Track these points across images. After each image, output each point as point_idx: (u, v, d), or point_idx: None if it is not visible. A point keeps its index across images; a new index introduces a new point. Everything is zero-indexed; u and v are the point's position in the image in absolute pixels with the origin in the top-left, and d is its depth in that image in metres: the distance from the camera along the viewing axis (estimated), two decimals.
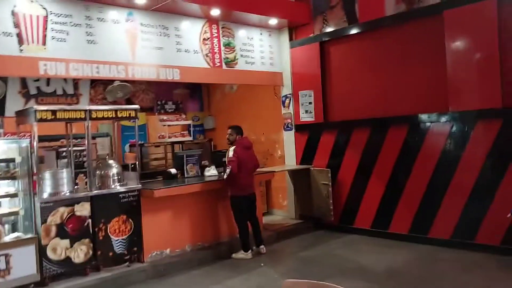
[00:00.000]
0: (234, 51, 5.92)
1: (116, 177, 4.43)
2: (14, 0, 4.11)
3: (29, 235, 3.97)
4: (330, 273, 4.27)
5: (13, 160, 4.07)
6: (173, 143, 6.74)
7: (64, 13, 4.43)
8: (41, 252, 3.91)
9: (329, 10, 5.97)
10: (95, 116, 4.30)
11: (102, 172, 4.40)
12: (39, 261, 3.90)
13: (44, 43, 4.28)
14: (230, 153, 4.81)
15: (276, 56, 6.45)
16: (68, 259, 4.04)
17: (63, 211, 4.05)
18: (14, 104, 5.75)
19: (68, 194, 4.13)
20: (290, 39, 6.41)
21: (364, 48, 5.65)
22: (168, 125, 6.72)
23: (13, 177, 4.09)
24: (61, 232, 4.02)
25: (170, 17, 5.27)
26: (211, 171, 5.47)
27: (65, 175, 4.14)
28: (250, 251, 4.90)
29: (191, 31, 5.48)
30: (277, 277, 4.29)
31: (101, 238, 4.24)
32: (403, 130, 5.20)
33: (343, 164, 5.84)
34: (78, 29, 4.51)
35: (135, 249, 4.46)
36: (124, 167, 4.77)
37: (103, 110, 4.42)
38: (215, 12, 5.42)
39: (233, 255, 4.90)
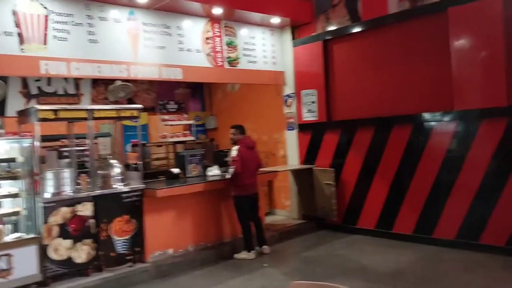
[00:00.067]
0: (236, 50, 5.89)
1: (118, 177, 4.40)
2: None
3: (31, 235, 3.95)
4: (333, 274, 4.24)
5: (14, 160, 4.05)
6: (175, 143, 6.72)
7: (65, 12, 4.40)
8: (43, 252, 3.89)
9: (331, 9, 5.93)
10: (97, 116, 4.29)
11: (104, 171, 4.37)
12: (41, 261, 3.88)
13: (45, 43, 4.26)
14: (234, 153, 4.78)
15: (278, 55, 6.41)
16: (70, 259, 4.02)
17: (65, 211, 4.03)
18: (15, 104, 5.73)
19: (70, 194, 4.10)
20: (293, 38, 6.37)
21: (367, 47, 5.61)
22: (170, 125, 6.70)
23: (15, 177, 4.08)
24: (63, 232, 4.00)
25: (172, 16, 5.24)
26: (214, 171, 5.44)
27: (67, 175, 4.12)
28: (253, 251, 4.87)
29: (193, 30, 5.45)
30: (282, 278, 4.25)
31: (103, 238, 4.22)
32: (407, 129, 5.16)
33: (346, 163, 5.80)
34: (79, 28, 4.48)
35: (138, 249, 4.43)
36: (126, 167, 4.75)
37: (105, 110, 4.40)
38: (217, 10, 5.39)
39: (236, 255, 4.87)
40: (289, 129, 6.51)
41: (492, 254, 4.41)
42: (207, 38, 5.58)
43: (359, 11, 5.61)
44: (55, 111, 4.06)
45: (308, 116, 6.21)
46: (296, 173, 6.35)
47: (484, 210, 4.54)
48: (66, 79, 6.23)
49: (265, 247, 4.99)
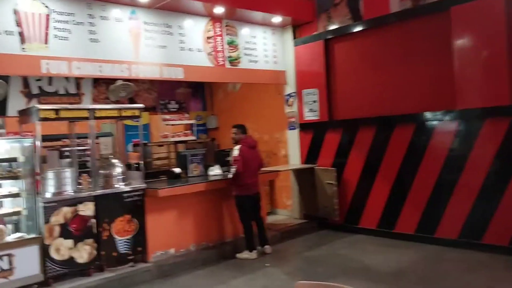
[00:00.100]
0: (237, 49, 5.87)
1: (120, 177, 4.39)
2: None
3: (32, 235, 3.94)
4: (335, 273, 4.23)
5: (16, 159, 4.04)
6: (176, 143, 6.71)
7: (66, 11, 4.38)
8: (45, 252, 3.87)
9: (333, 8, 5.91)
10: (99, 115, 4.28)
11: (106, 171, 4.36)
12: (42, 261, 3.86)
13: (46, 42, 4.24)
14: (235, 152, 4.77)
15: (279, 54, 6.40)
16: (71, 259, 4.01)
17: (66, 211, 4.02)
18: (16, 103, 5.71)
19: (71, 193, 4.09)
20: (294, 37, 6.36)
21: (369, 46, 5.60)
22: (171, 125, 6.69)
23: (16, 177, 4.06)
24: (65, 232, 3.99)
25: (174, 15, 5.22)
26: (215, 171, 5.42)
27: (68, 174, 4.10)
28: (255, 251, 4.86)
29: (195, 30, 5.44)
30: (284, 277, 4.24)
31: (105, 238, 4.20)
32: (409, 128, 5.15)
33: (348, 163, 5.79)
34: (80, 27, 4.47)
35: (140, 249, 4.42)
36: (127, 167, 4.73)
37: (107, 109, 4.39)
38: (219, 10, 5.37)
39: (238, 255, 4.86)
40: (290, 129, 6.49)
41: (495, 253, 4.39)
42: (208, 38, 5.57)
43: (360, 10, 5.59)
44: (56, 110, 4.05)
45: (310, 116, 6.20)
46: (297, 172, 6.34)
47: (486, 209, 4.52)
48: (67, 78, 6.22)
49: (267, 246, 4.98)
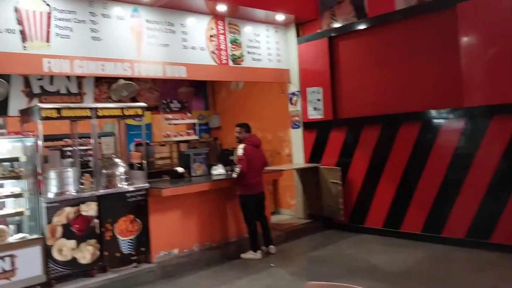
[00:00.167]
0: (240, 48, 5.82)
1: (123, 176, 4.34)
2: None
3: (34, 236, 3.90)
4: (341, 273, 4.18)
5: (17, 159, 3.99)
6: (178, 142, 6.66)
7: (67, 9, 4.34)
8: (47, 253, 3.83)
9: (337, 5, 5.85)
10: (101, 114, 4.22)
11: (109, 171, 4.31)
12: (44, 262, 3.82)
13: (47, 40, 4.20)
14: (239, 152, 4.71)
15: (283, 52, 6.34)
16: (74, 260, 3.96)
17: (69, 211, 3.97)
18: (17, 103, 5.65)
19: (74, 193, 4.04)
20: (297, 35, 6.30)
21: (374, 43, 5.54)
22: (174, 124, 6.64)
23: (18, 177, 4.01)
24: (67, 233, 3.94)
25: (176, 13, 5.17)
26: (219, 170, 5.37)
27: (70, 174, 4.05)
28: (259, 251, 4.80)
29: (197, 28, 5.39)
30: (289, 278, 4.18)
31: (108, 238, 4.15)
32: (415, 126, 5.08)
33: (353, 162, 5.73)
34: (82, 25, 4.42)
35: (143, 249, 4.37)
36: (130, 167, 4.68)
37: (110, 108, 4.34)
38: (221, 8, 5.32)
39: (242, 255, 4.81)
40: (294, 128, 6.44)
41: (503, 253, 4.33)
42: (211, 36, 5.52)
43: (365, 7, 5.53)
44: (58, 109, 4.00)
45: (314, 114, 6.14)
46: (301, 172, 6.28)
47: (494, 208, 4.46)
48: (68, 78, 6.17)
49: (271, 246, 4.92)
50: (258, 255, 4.77)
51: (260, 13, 5.73)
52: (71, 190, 4.04)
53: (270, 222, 5.31)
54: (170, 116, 6.91)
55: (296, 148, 6.43)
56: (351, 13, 5.71)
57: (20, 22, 4.03)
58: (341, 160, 5.84)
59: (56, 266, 3.86)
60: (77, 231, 3.99)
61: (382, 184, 5.44)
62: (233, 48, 5.74)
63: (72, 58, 4.32)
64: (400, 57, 5.27)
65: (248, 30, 5.92)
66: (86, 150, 5.23)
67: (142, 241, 4.36)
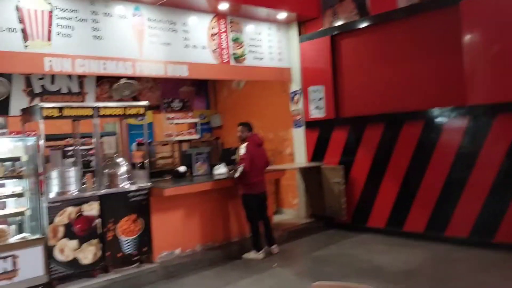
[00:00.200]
0: (242, 46, 5.79)
1: (125, 176, 4.31)
2: None
3: (36, 236, 3.87)
4: (344, 273, 4.15)
5: (19, 159, 3.97)
6: (180, 142, 6.63)
7: (69, 8, 4.32)
8: (49, 253, 3.81)
9: (338, 3, 5.83)
10: (103, 114, 4.20)
11: (111, 170, 4.28)
12: (46, 262, 3.80)
13: (49, 39, 4.17)
14: (242, 151, 4.68)
15: (284, 51, 6.31)
16: (76, 260, 3.94)
17: (70, 211, 3.94)
18: (18, 102, 5.63)
19: (76, 193, 4.01)
20: (299, 33, 6.27)
21: (376, 42, 5.51)
22: (175, 123, 6.61)
23: (19, 176, 4.00)
24: (69, 233, 3.91)
25: (178, 12, 5.15)
26: (221, 169, 5.34)
27: (72, 174, 4.03)
28: (262, 251, 4.78)
29: (199, 26, 5.36)
30: (293, 278, 4.16)
31: (110, 238, 4.13)
32: (418, 125, 5.06)
33: (355, 161, 5.70)
34: (83, 24, 4.40)
35: (145, 249, 4.35)
36: (131, 166, 4.65)
37: (112, 107, 4.31)
38: (223, 6, 5.30)
39: (245, 255, 4.78)
40: (296, 127, 6.41)
41: (508, 252, 4.30)
42: (213, 35, 5.49)
43: (367, 5, 5.51)
44: (60, 108, 3.98)
45: (316, 113, 6.11)
46: (303, 171, 6.25)
47: (498, 207, 4.43)
48: (70, 77, 6.15)
49: (274, 246, 4.90)
50: (260, 255, 4.75)
51: (262, 11, 5.70)
52: (73, 190, 4.01)
53: (272, 222, 5.29)
54: (171, 115, 6.88)
55: (298, 148, 6.40)
56: (353, 11, 5.68)
57: (21, 21, 4.01)
58: (343, 159, 5.81)
59: (58, 266, 3.84)
60: (79, 231, 3.97)
61: (384, 184, 5.41)
62: (235, 46, 5.71)
63: (73, 57, 4.29)
64: (403, 55, 5.25)
65: (249, 29, 5.89)
66: (88, 149, 5.21)
67: (144, 241, 4.34)
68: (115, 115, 4.37)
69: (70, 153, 4.88)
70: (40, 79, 5.94)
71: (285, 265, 4.55)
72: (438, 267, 4.19)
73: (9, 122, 5.76)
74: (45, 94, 5.98)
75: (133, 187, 4.33)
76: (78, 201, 4.00)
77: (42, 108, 3.87)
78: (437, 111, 4.91)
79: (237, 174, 4.70)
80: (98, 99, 6.42)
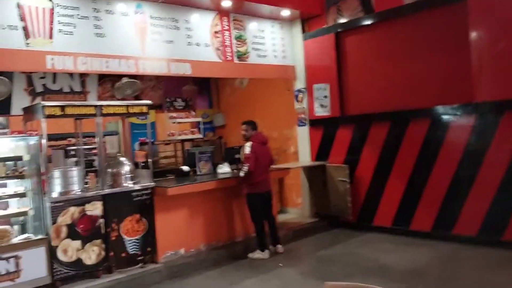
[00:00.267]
0: (245, 44, 5.73)
1: (128, 175, 4.26)
2: None
3: (39, 236, 3.83)
4: (351, 273, 4.10)
5: (21, 158, 3.92)
6: (183, 141, 6.59)
7: (71, 5, 4.26)
8: (52, 253, 3.76)
9: (342, 0, 5.76)
10: (106, 112, 4.15)
11: (114, 170, 4.23)
12: (49, 263, 3.75)
13: (50, 37, 4.12)
14: (247, 150, 4.62)
15: (288, 49, 6.25)
16: (79, 260, 3.89)
17: (73, 211, 3.89)
18: (19, 102, 5.57)
19: (78, 193, 3.96)
20: (303, 31, 6.21)
21: (382, 39, 5.44)
22: (178, 123, 6.56)
23: (21, 176, 3.95)
24: (72, 233, 3.86)
25: (180, 9, 5.09)
26: (224, 168, 5.30)
27: (75, 173, 3.98)
28: (267, 250, 4.72)
29: (202, 24, 5.30)
30: (299, 278, 4.10)
31: (113, 238, 4.08)
32: (424, 123, 4.99)
33: (361, 159, 5.64)
34: (85, 21, 4.34)
35: (149, 249, 4.30)
36: (134, 166, 4.60)
37: (114, 106, 4.26)
38: (226, 3, 5.24)
39: (250, 255, 4.73)
40: (300, 125, 6.35)
41: None
42: (216, 32, 5.43)
43: (372, 2, 5.44)
44: (62, 107, 3.93)
45: (320, 111, 6.05)
46: (308, 170, 6.19)
47: (506, 205, 4.36)
48: (72, 76, 6.10)
49: (279, 246, 4.84)
50: (265, 254, 4.69)
51: (265, 8, 5.64)
52: (76, 189, 3.96)
53: (277, 221, 5.23)
54: (174, 114, 6.83)
55: (302, 146, 6.34)
56: (357, 8, 5.61)
57: (22, 18, 3.95)
58: (348, 158, 5.75)
59: (61, 267, 3.79)
60: (82, 231, 3.92)
61: (391, 182, 5.34)
62: (238, 44, 5.66)
63: (75, 55, 4.24)
64: (409, 53, 5.18)
65: (253, 26, 5.84)
66: (90, 149, 5.16)
67: (148, 241, 4.29)
68: (118, 114, 4.32)
69: (72, 152, 4.84)
70: (42, 78, 5.89)
71: (291, 264, 4.49)
72: (445, 266, 4.13)
73: (11, 122, 5.71)
74: (46, 93, 5.93)
75: (137, 187, 4.28)
76: (81, 201, 3.95)
77: (44, 106, 3.82)
78: (444, 108, 4.84)
79: (242, 174, 4.64)
80: (100, 98, 6.37)
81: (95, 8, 4.41)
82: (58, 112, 3.89)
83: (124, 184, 4.23)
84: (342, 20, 5.77)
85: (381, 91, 5.45)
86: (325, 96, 5.97)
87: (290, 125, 6.51)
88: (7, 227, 3.77)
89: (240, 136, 5.00)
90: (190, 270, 4.37)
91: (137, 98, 6.56)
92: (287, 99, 6.48)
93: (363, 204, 5.66)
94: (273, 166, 5.17)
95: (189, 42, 5.16)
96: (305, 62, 6.19)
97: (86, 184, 4.17)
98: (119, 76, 6.11)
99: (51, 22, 4.13)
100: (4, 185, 3.98)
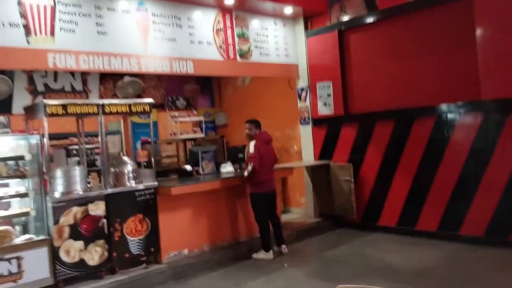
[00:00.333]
0: (248, 42, 5.68)
1: (131, 175, 4.21)
2: None
3: (41, 237, 3.78)
4: (357, 273, 4.05)
5: (22, 157, 3.87)
6: (185, 140, 6.54)
7: (72, 2, 4.21)
8: (54, 254, 3.71)
9: None
10: (108, 111, 4.09)
11: (117, 169, 4.18)
12: (52, 264, 3.70)
13: (52, 34, 4.07)
14: (251, 149, 4.57)
15: (291, 47, 6.20)
16: (82, 261, 3.83)
17: (76, 211, 3.84)
18: (21, 101, 5.53)
19: (81, 193, 3.91)
20: (306, 28, 6.16)
21: (385, 36, 5.39)
22: (180, 122, 6.52)
23: (23, 176, 3.89)
24: (75, 233, 3.81)
25: (182, 6, 5.04)
26: (228, 168, 5.24)
27: (77, 173, 3.93)
28: (271, 251, 4.67)
29: (204, 22, 5.25)
30: (304, 278, 4.05)
31: (116, 238, 4.03)
32: (430, 121, 4.94)
33: (365, 159, 5.58)
34: (87, 19, 4.29)
35: (152, 249, 4.25)
36: (137, 165, 4.55)
37: (117, 104, 4.21)
38: (228, 0, 5.19)
39: (254, 255, 4.68)
40: (303, 124, 6.29)
41: None
42: (218, 30, 5.38)
43: None
44: (64, 105, 3.87)
45: (324, 110, 6.00)
46: (311, 169, 6.14)
47: None
48: (73, 75, 6.05)
49: (283, 246, 4.79)
50: (270, 255, 4.64)
51: (268, 5, 5.59)
52: (78, 189, 3.91)
53: (281, 221, 5.18)
54: (175, 113, 6.78)
55: (305, 145, 6.29)
56: (361, 5, 5.56)
57: (24, 15, 3.90)
58: (352, 157, 5.69)
59: (63, 268, 3.74)
60: (85, 231, 3.87)
61: (396, 181, 5.29)
62: (241, 42, 5.60)
63: (77, 53, 4.19)
64: (413, 50, 5.13)
65: (255, 24, 5.78)
66: (92, 148, 5.11)
67: (152, 241, 4.24)
68: (120, 112, 4.27)
69: (74, 152, 4.79)
70: (43, 77, 5.84)
71: (296, 265, 4.45)
72: (451, 266, 4.08)
73: (12, 121, 5.66)
74: (48, 92, 5.88)
75: (140, 186, 4.23)
76: (84, 201, 3.89)
77: (46, 105, 3.77)
78: (449, 106, 4.79)
79: (246, 173, 4.58)
80: (101, 97, 6.32)
81: (97, 6, 4.36)
82: (60, 110, 3.84)
83: (127, 184, 4.18)
84: (346, 18, 5.72)
85: (385, 89, 5.39)
86: (329, 95, 5.92)
87: (293, 124, 6.46)
88: (9, 227, 3.72)
89: (243, 135, 4.94)
90: (194, 270, 4.32)
91: (138, 97, 6.50)
92: (289, 97, 6.43)
93: (368, 203, 5.61)
94: (276, 166, 5.12)
95: (191, 40, 5.10)
96: (308, 60, 6.14)
97: (88, 184, 4.12)
98: (121, 75, 6.07)
99: (53, 19, 4.07)
100: (6, 185, 3.92)
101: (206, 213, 4.75)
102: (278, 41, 6.05)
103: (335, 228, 5.78)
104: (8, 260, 3.50)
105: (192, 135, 6.55)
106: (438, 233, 4.88)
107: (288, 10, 5.82)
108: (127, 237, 4.09)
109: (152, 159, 4.47)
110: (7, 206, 3.96)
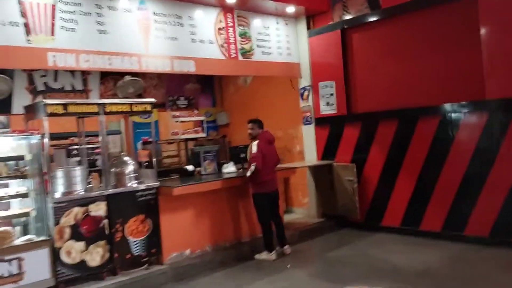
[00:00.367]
0: (250, 41, 5.64)
1: (132, 175, 4.17)
2: None
3: (41, 238, 3.74)
4: (361, 274, 4.01)
5: (22, 157, 3.83)
6: (186, 140, 6.50)
7: (73, 1, 4.16)
8: (55, 255, 3.67)
9: None
10: (109, 110, 4.05)
11: (118, 169, 4.14)
12: (53, 265, 3.66)
13: (52, 33, 4.02)
14: (254, 148, 4.52)
15: (293, 46, 6.16)
16: (83, 262, 3.80)
17: (77, 211, 3.80)
18: (21, 100, 5.50)
19: (82, 193, 3.87)
20: (308, 27, 6.11)
21: (389, 35, 5.34)
22: (181, 121, 6.48)
23: (23, 176, 3.86)
24: (76, 234, 3.77)
25: (184, 5, 5.00)
26: (230, 168, 5.20)
27: (78, 173, 3.89)
28: (274, 251, 4.62)
29: (206, 21, 5.21)
30: (307, 279, 4.00)
31: (118, 239, 3.99)
32: (434, 121, 4.89)
33: (369, 158, 5.53)
34: (88, 18, 4.25)
35: (154, 250, 4.21)
36: (138, 165, 4.51)
37: (118, 104, 4.17)
38: None
39: (257, 256, 4.63)
40: (305, 124, 6.25)
41: None
42: (220, 29, 5.34)
43: None
44: (64, 105, 3.83)
45: (326, 110, 5.95)
46: (314, 169, 6.09)
47: None
48: (73, 74, 6.02)
49: (286, 247, 4.75)
50: (273, 255, 4.60)
51: (270, 4, 5.54)
52: (79, 189, 3.87)
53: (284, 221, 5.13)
54: (177, 113, 6.74)
55: (308, 145, 6.24)
56: (363, 4, 5.52)
57: (23, 14, 3.86)
58: (356, 156, 5.65)
59: (64, 269, 3.70)
60: (86, 232, 3.83)
61: (399, 181, 5.24)
62: (242, 41, 5.56)
63: (77, 52, 4.14)
64: (416, 49, 5.08)
65: (257, 23, 5.74)
66: (93, 148, 5.07)
67: (153, 242, 4.20)
68: (121, 112, 4.23)
69: (74, 152, 4.74)
70: (43, 76, 5.80)
71: (299, 266, 4.40)
72: (457, 267, 4.03)
73: (12, 121, 5.64)
74: (48, 91, 5.84)
75: (141, 187, 4.19)
76: (85, 201, 3.85)
77: (46, 104, 3.73)
78: (453, 106, 4.74)
79: (249, 173, 4.54)
80: (102, 96, 6.28)
81: (98, 4, 4.32)
82: (60, 110, 3.80)
83: (128, 184, 4.14)
84: (348, 17, 5.67)
85: (388, 89, 5.35)
86: (331, 94, 5.87)
87: (295, 123, 6.42)
88: (9, 228, 3.67)
89: (245, 135, 4.90)
90: (196, 271, 4.28)
91: (139, 96, 6.46)
92: (292, 97, 6.39)
93: (371, 203, 5.56)
94: (279, 166, 5.07)
95: (193, 39, 5.06)
96: (311, 59, 6.09)
97: (89, 184, 4.07)
98: (121, 75, 6.03)
99: (53, 18, 4.03)
100: (6, 185, 3.89)
101: (208, 213, 4.71)
102: (280, 40, 6.01)
103: (338, 228, 5.73)
104: (9, 261, 3.47)
105: (193, 135, 6.52)
106: (443, 234, 4.83)
107: (290, 9, 5.77)
108: (129, 237, 4.05)
109: (153, 159, 4.43)
110: (7, 206, 3.92)
